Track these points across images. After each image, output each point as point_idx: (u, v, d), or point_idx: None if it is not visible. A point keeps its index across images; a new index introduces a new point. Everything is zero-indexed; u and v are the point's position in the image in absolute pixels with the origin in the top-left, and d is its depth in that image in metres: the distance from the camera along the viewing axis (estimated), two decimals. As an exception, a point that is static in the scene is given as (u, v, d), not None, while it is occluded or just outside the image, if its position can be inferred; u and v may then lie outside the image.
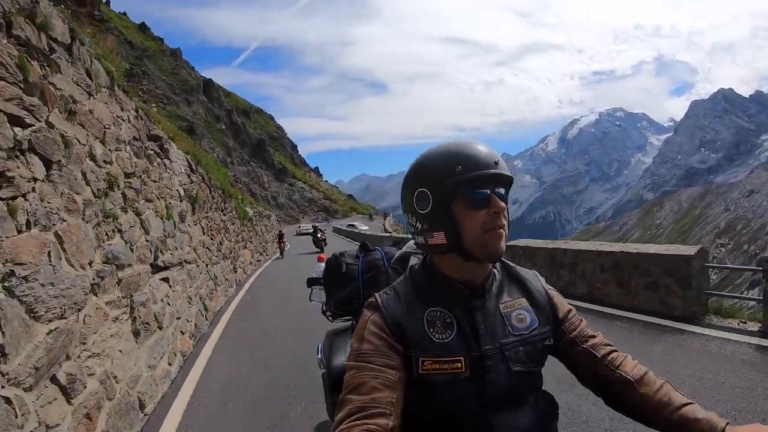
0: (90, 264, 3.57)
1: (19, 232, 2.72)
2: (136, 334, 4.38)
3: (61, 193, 3.27)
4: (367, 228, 58.00)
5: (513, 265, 1.35)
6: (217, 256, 10.68)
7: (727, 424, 1.03)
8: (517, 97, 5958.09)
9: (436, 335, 1.15)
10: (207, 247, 9.57)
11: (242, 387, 5.00)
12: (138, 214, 4.99)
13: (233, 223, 15.54)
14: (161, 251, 5.63)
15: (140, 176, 5.32)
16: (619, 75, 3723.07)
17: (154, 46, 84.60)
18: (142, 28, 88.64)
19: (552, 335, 1.27)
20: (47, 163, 3.14)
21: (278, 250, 26.50)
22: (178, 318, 6.04)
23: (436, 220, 1.19)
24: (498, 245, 1.15)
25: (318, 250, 25.53)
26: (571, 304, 1.35)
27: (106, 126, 4.43)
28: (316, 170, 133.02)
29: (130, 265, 4.44)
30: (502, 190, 1.17)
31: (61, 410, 2.89)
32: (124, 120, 5.10)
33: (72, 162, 3.51)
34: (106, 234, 4.04)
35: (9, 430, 2.38)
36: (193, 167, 9.42)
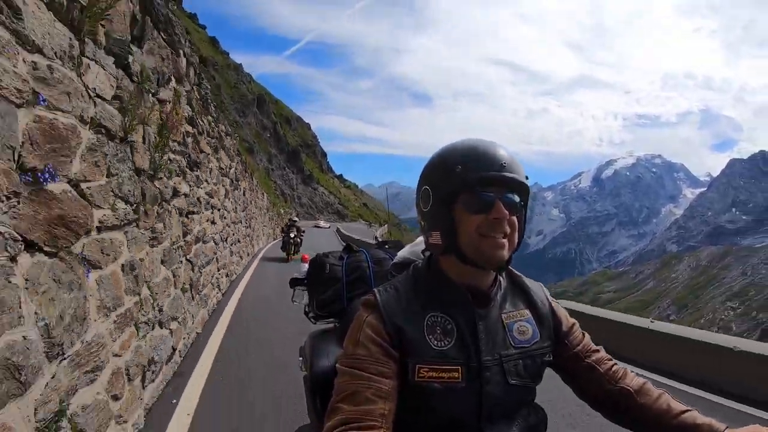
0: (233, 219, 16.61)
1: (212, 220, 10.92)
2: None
3: (235, 208, 14.94)
4: (328, 226, 62.31)
5: (519, 274, 1.34)
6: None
7: (727, 427, 1.04)
8: (558, 129, 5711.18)
9: (435, 342, 1.14)
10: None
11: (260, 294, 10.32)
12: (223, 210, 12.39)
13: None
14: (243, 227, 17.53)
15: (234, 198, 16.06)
16: (663, 121, 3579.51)
17: (221, 61, 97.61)
18: (213, 42, 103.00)
19: (552, 351, 1.27)
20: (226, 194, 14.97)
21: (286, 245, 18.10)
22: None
23: (434, 219, 1.19)
24: (494, 253, 1.12)
25: (284, 255, 18.21)
26: None
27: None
28: (340, 177, 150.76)
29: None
30: (514, 197, 1.14)
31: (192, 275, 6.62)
32: (232, 166, 12.94)
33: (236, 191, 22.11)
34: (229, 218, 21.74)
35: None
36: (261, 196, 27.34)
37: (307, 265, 2.28)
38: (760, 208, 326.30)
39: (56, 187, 2.41)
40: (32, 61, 2.17)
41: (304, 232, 19.45)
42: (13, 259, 1.99)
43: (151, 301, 4.34)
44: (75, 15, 2.62)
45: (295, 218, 19.68)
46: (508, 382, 1.16)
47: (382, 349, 1.10)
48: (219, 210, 9.79)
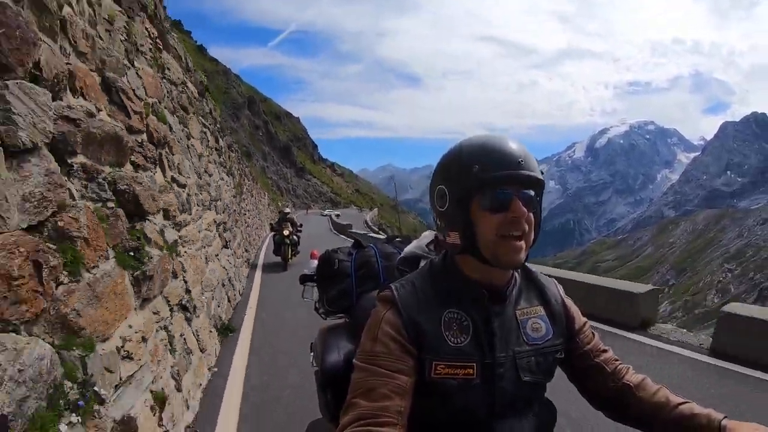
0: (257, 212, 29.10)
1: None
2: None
3: (250, 206, 26.70)
4: (338, 213, 64.93)
5: (533, 269, 1.35)
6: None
7: (725, 417, 1.06)
8: (550, 101, 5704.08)
9: (452, 339, 1.15)
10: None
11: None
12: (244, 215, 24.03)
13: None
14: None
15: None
16: (654, 88, 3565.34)
17: (210, 67, 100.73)
18: (201, 49, 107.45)
19: (564, 348, 1.28)
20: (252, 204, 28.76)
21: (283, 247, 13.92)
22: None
23: (452, 220, 1.17)
24: (512, 257, 1.11)
25: (279, 259, 14.07)
26: None
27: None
28: (332, 166, 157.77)
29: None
30: (530, 192, 1.13)
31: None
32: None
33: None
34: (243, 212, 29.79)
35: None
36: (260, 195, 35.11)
37: (316, 262, 2.29)
38: (754, 170, 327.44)
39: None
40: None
41: (301, 226, 15.21)
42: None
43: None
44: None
45: (288, 209, 15.89)
46: (521, 379, 1.18)
47: (399, 346, 1.11)
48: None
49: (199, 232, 6.05)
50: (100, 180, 2.86)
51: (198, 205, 6.40)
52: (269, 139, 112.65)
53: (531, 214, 1.12)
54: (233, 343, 6.46)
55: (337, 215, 59.66)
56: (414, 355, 1.12)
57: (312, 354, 2.10)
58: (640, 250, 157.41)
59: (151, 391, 3.16)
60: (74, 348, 2.21)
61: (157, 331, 3.56)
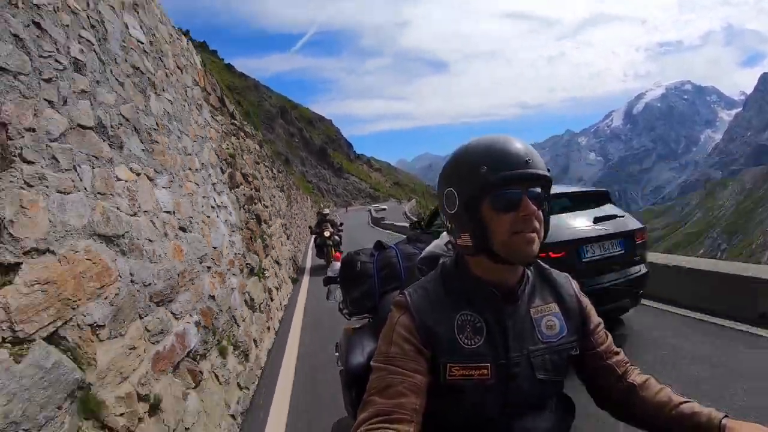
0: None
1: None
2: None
3: (294, 213, 31.54)
4: (385, 207, 70.07)
5: (546, 266, 1.34)
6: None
7: (725, 416, 1.05)
8: (580, 72, 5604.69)
9: (466, 341, 1.15)
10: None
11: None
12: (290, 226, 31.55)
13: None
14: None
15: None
16: (687, 46, 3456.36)
17: (240, 83, 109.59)
18: (229, 67, 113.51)
19: (578, 345, 1.27)
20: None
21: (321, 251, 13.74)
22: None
23: (462, 222, 1.18)
24: (527, 249, 1.12)
25: (323, 262, 14.07)
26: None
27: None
28: (368, 162, 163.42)
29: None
30: (537, 190, 1.14)
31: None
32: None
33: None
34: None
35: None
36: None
37: (339, 264, 2.33)
38: None
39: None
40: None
41: (341, 225, 15.20)
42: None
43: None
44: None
45: (327, 210, 15.92)
46: (536, 377, 1.18)
47: (414, 348, 1.13)
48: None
49: (276, 230, 11.22)
50: (251, 211, 7.75)
51: (273, 216, 11.45)
52: (305, 144, 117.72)
53: (540, 212, 1.14)
54: (298, 287, 11.06)
55: (383, 209, 65.08)
56: (428, 357, 1.14)
57: (337, 354, 2.16)
58: (689, 216, 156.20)
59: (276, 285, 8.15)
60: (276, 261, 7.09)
61: (272, 267, 8.53)
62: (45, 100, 2.20)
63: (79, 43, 2.68)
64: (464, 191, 1.15)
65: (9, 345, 1.72)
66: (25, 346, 1.79)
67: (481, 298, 1.20)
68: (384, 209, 66.49)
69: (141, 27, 3.99)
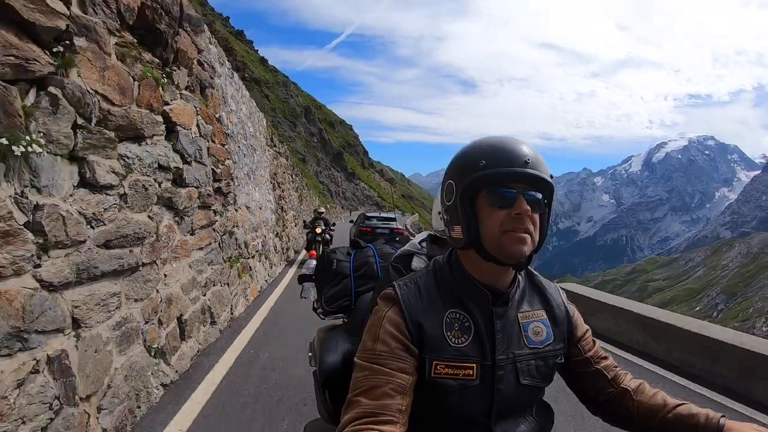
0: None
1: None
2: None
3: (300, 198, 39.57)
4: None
5: (536, 273, 1.36)
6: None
7: (723, 416, 1.07)
8: (607, 112, 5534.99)
9: (453, 339, 1.15)
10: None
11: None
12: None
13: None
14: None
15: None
16: (716, 101, 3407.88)
17: (271, 78, 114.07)
18: (263, 61, 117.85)
19: (564, 353, 1.29)
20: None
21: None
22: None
23: (456, 214, 1.18)
24: (515, 248, 1.11)
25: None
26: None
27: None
28: (380, 171, 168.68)
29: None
30: (537, 194, 1.14)
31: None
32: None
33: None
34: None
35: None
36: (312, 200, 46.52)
37: (315, 262, 2.31)
38: None
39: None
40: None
41: (334, 225, 16.49)
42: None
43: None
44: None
45: (322, 209, 17.26)
46: (520, 382, 1.19)
47: (401, 345, 1.12)
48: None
49: (290, 217, 17.44)
50: (279, 204, 13.83)
51: (288, 209, 17.54)
52: (323, 145, 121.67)
53: (537, 216, 1.14)
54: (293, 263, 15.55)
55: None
56: (415, 354, 1.13)
57: (310, 354, 2.12)
58: (692, 271, 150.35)
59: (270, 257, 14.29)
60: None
61: (286, 237, 14.61)
62: (234, 162, 8.33)
63: (246, 139, 8.90)
64: (462, 183, 1.16)
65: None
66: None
67: (472, 297, 1.21)
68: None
69: (252, 126, 10.11)
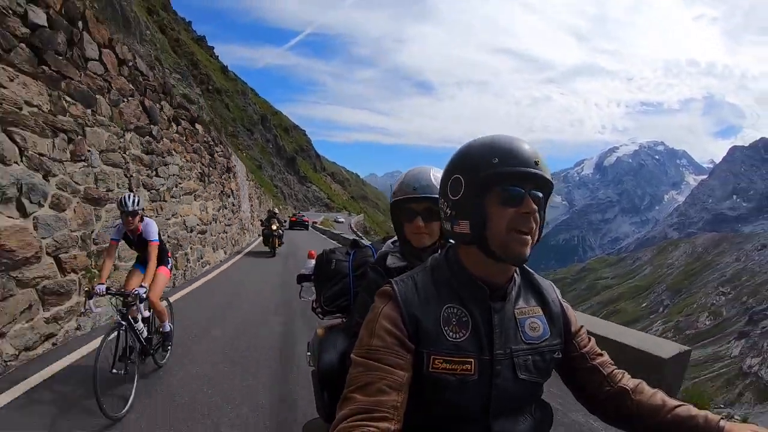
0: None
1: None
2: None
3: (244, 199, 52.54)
4: (343, 220, 75.89)
5: (532, 271, 1.38)
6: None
7: (722, 418, 1.09)
8: (561, 117, 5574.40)
9: (451, 334, 1.17)
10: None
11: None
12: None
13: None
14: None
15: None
16: (666, 109, 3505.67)
17: (231, 87, 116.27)
18: (224, 70, 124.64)
19: (561, 349, 1.31)
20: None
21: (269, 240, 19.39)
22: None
23: (464, 209, 1.20)
24: (521, 250, 1.14)
25: (268, 250, 19.00)
26: None
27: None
28: (332, 174, 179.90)
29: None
30: (539, 194, 1.18)
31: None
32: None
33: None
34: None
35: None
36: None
37: (314, 261, 2.32)
38: (760, 196, 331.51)
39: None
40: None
41: (286, 222, 17.54)
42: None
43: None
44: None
45: (276, 210, 18.67)
46: (518, 377, 1.20)
47: (397, 341, 1.13)
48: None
49: (253, 217, 31.61)
50: (252, 209, 27.39)
51: (254, 212, 31.28)
52: (277, 151, 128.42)
53: (537, 214, 1.17)
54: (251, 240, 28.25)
55: (341, 222, 72.29)
56: (411, 349, 1.15)
57: (309, 354, 2.17)
58: (639, 270, 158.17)
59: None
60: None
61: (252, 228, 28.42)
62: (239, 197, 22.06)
63: (251, 200, 23.52)
64: (472, 179, 1.17)
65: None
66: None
67: (470, 292, 1.23)
68: (341, 222, 73.25)
69: (242, 172, 23.66)
